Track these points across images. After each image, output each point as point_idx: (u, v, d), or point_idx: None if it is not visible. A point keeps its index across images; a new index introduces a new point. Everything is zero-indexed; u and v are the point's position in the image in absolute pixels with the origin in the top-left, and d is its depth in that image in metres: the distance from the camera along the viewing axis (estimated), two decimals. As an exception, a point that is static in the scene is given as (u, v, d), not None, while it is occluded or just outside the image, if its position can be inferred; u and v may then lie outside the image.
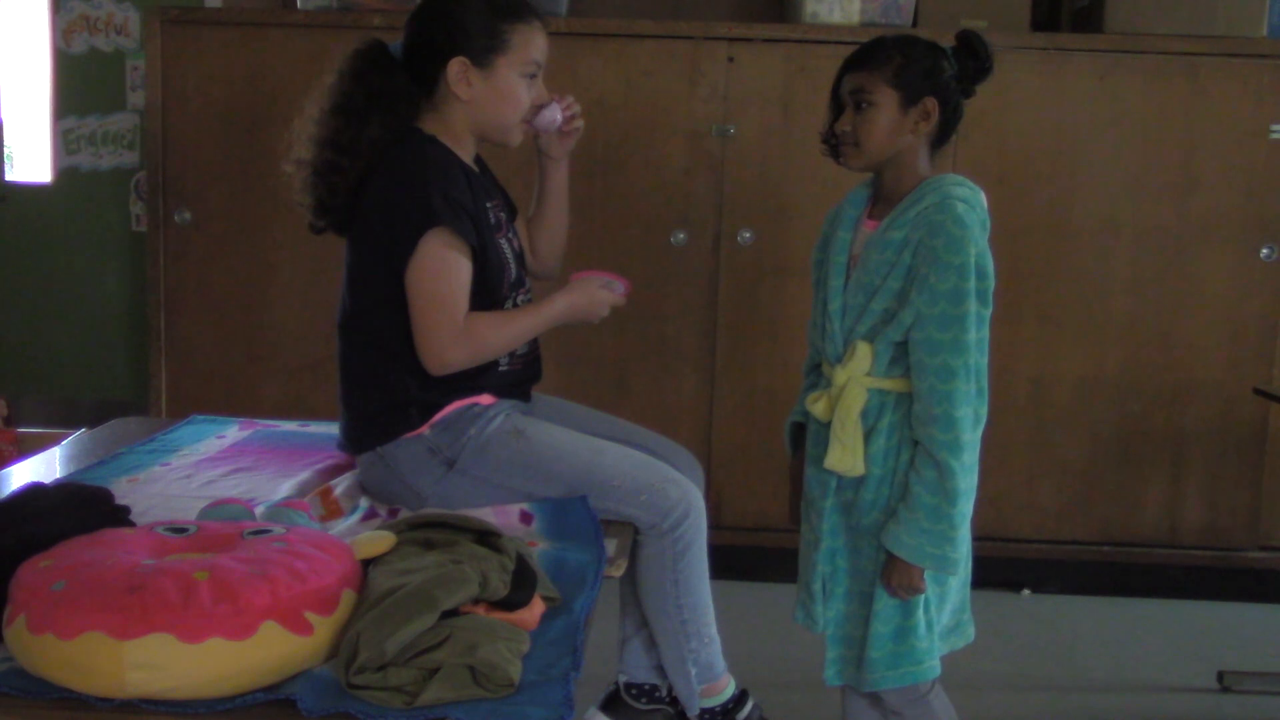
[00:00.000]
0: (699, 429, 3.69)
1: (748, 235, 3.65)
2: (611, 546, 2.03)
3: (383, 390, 2.18)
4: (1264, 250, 3.60)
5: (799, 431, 2.27)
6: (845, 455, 2.04)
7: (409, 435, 2.15)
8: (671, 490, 2.16)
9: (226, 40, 3.64)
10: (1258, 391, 3.32)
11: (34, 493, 1.82)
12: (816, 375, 2.22)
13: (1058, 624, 3.57)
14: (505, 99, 2.19)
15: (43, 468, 2.43)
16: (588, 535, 2.04)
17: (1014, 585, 3.78)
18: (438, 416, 2.16)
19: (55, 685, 1.43)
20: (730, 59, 3.59)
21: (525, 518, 2.13)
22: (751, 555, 3.70)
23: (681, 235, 3.65)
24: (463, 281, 2.11)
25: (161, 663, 1.40)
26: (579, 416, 2.38)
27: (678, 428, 3.52)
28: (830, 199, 3.64)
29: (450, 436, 2.15)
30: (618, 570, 2.03)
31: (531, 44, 2.18)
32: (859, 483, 2.07)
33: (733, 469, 3.72)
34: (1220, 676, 3.18)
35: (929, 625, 2.07)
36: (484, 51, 2.15)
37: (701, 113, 3.61)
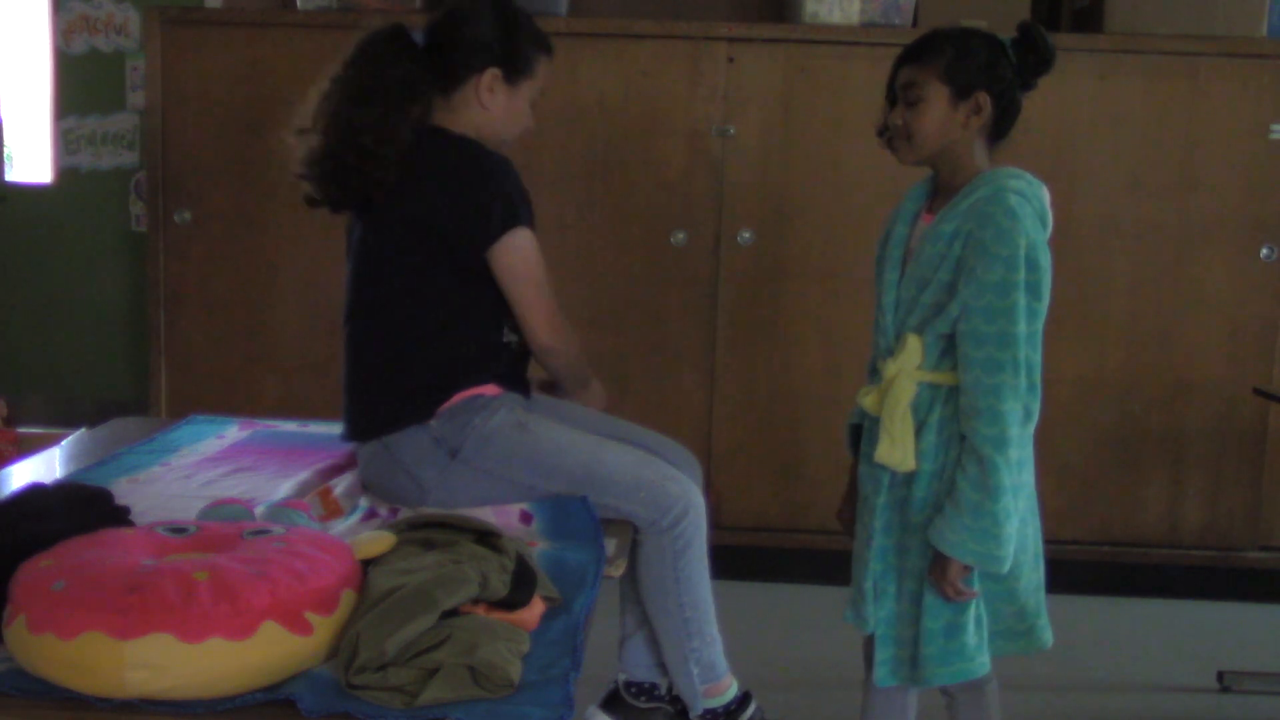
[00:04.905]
0: (699, 429, 3.69)
1: (748, 235, 3.65)
2: (611, 546, 2.04)
3: (393, 378, 2.20)
4: (1264, 250, 3.60)
5: (858, 434, 2.24)
6: (894, 449, 2.03)
7: (415, 424, 2.17)
8: (671, 487, 2.17)
9: (226, 40, 3.64)
10: (1258, 391, 3.32)
11: (34, 493, 1.82)
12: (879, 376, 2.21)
13: (1058, 624, 3.56)
14: (515, 117, 2.30)
15: (43, 468, 2.43)
16: (587, 535, 2.04)
17: (1014, 585, 3.78)
18: (444, 406, 2.17)
19: (55, 685, 1.43)
20: (730, 59, 3.59)
21: (525, 518, 2.14)
22: (751, 555, 3.70)
23: (681, 235, 3.65)
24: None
25: (161, 663, 1.40)
26: (578, 415, 2.39)
27: (678, 428, 3.51)
28: (831, 199, 3.66)
29: (455, 426, 2.16)
30: (617, 570, 2.03)
31: (546, 76, 2.33)
32: (911, 479, 2.06)
33: (732, 469, 3.72)
34: (1220, 676, 3.18)
35: (979, 621, 2.07)
36: (516, 72, 2.26)
37: (701, 113, 3.61)
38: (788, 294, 3.66)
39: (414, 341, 2.18)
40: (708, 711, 2.34)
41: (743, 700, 2.38)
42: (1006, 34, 2.10)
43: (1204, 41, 3.55)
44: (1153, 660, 3.34)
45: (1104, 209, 3.61)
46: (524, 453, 2.16)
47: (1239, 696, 3.13)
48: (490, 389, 2.21)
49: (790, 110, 3.60)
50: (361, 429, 2.24)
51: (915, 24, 3.61)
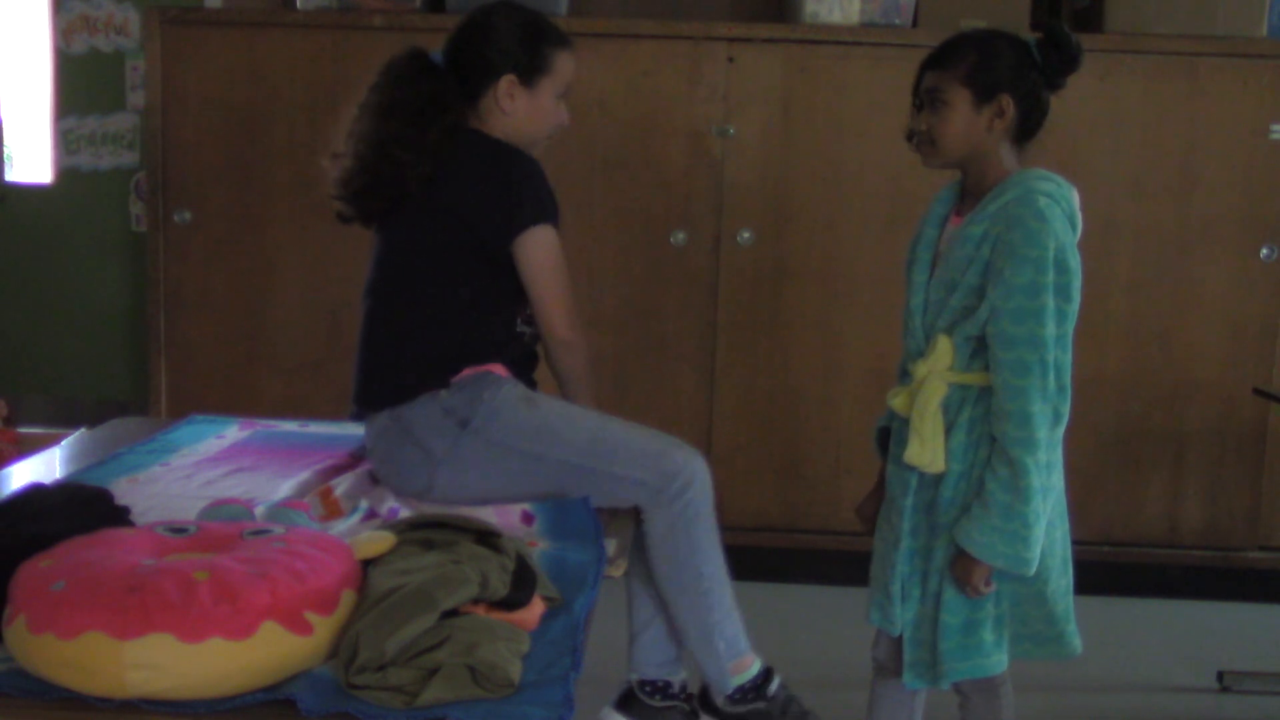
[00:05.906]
0: (699, 429, 3.69)
1: (747, 235, 3.65)
2: (611, 546, 2.04)
3: (409, 349, 2.26)
4: (1264, 250, 3.60)
5: (887, 435, 2.23)
6: (924, 450, 2.02)
7: (427, 393, 2.21)
8: (676, 454, 2.19)
9: (226, 40, 3.64)
10: (1258, 391, 3.32)
11: (34, 493, 1.82)
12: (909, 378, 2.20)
13: (1058, 624, 3.57)
14: (541, 115, 2.36)
15: (43, 468, 2.43)
16: (588, 535, 2.04)
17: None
18: (456, 377, 2.22)
19: (55, 685, 1.43)
20: (730, 59, 3.59)
21: (526, 518, 2.14)
22: (751, 555, 3.70)
23: (681, 235, 3.65)
24: None
25: (161, 663, 1.40)
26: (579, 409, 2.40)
27: (678, 428, 3.49)
28: (831, 199, 3.66)
29: (466, 397, 2.20)
30: (618, 570, 2.03)
31: (568, 68, 2.36)
32: (939, 481, 2.05)
33: (732, 469, 3.71)
34: (1220, 676, 3.18)
35: (999, 620, 2.07)
36: (531, 72, 2.31)
37: (701, 113, 3.61)
38: (788, 294, 3.66)
39: (433, 318, 2.25)
40: (737, 689, 2.31)
41: (766, 675, 2.36)
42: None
43: (1204, 41, 3.55)
44: (1153, 660, 3.34)
45: (1104, 209, 3.60)
46: (532, 424, 2.20)
47: (1239, 696, 3.13)
48: (500, 368, 2.27)
49: (790, 110, 3.60)
50: (374, 398, 2.28)
51: (915, 24, 3.61)
